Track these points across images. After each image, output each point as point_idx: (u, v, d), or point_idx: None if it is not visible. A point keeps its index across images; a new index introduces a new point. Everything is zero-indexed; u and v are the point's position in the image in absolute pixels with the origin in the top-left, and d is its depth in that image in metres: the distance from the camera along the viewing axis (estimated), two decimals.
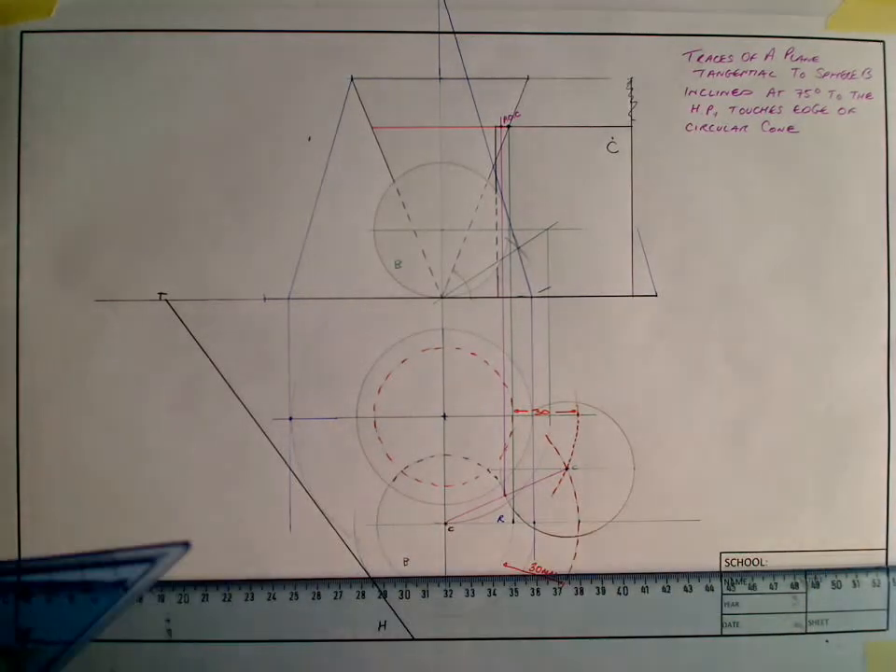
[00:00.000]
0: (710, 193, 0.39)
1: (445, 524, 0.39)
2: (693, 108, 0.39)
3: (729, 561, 0.39)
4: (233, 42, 0.39)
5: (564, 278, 0.39)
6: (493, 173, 0.39)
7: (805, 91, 0.39)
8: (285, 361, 0.39)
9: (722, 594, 0.39)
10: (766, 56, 0.39)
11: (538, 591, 0.39)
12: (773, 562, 0.39)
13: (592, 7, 0.39)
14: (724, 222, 0.39)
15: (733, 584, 0.39)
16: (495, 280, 0.39)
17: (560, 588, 0.39)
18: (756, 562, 0.39)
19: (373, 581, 0.39)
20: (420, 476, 0.39)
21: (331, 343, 0.39)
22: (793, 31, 0.39)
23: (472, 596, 0.39)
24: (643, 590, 0.39)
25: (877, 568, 0.39)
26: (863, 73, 0.39)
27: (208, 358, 0.38)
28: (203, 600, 0.38)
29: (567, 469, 0.39)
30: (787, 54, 0.39)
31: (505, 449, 0.39)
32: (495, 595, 0.39)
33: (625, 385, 0.39)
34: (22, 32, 0.38)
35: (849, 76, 0.39)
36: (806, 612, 0.39)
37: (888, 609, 0.39)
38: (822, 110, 0.40)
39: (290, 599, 0.38)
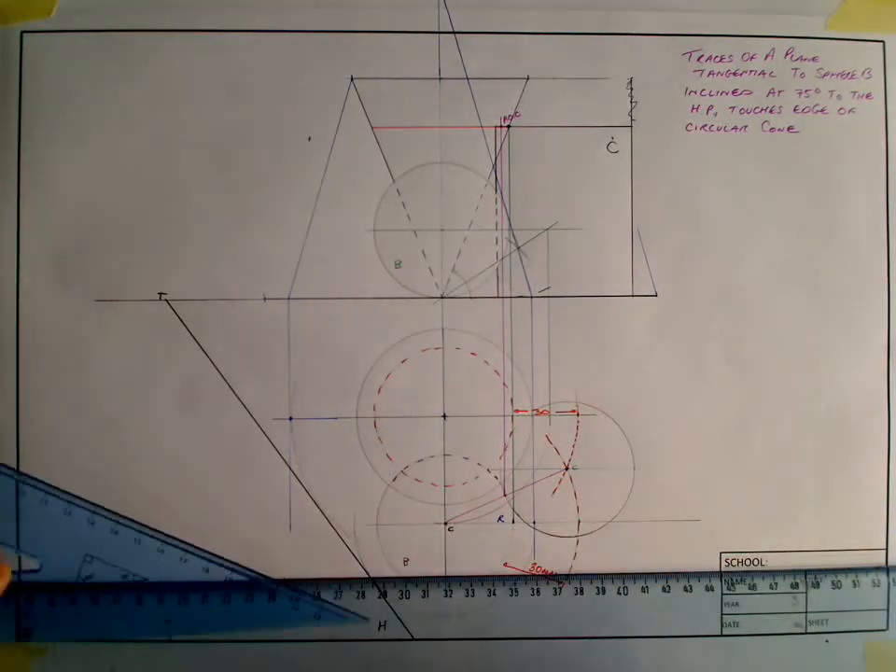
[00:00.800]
0: (710, 193, 0.39)
1: (445, 524, 0.39)
2: (693, 108, 0.39)
3: (729, 561, 0.39)
4: (233, 42, 0.39)
5: (564, 278, 0.39)
6: (493, 173, 0.39)
7: (805, 90, 0.39)
8: (285, 361, 0.39)
9: (722, 594, 0.39)
10: (766, 56, 0.39)
11: (538, 591, 0.39)
12: (773, 562, 0.39)
13: (592, 7, 0.39)
14: (724, 222, 0.39)
15: (733, 584, 0.39)
16: (495, 280, 0.39)
17: (560, 588, 0.39)
18: (756, 562, 0.39)
19: (373, 581, 0.39)
20: (420, 476, 0.39)
21: (331, 343, 0.39)
22: (793, 31, 0.39)
23: (472, 596, 0.39)
24: (643, 590, 0.39)
25: (877, 568, 0.39)
26: (863, 73, 0.39)
27: (208, 358, 0.38)
28: (203, 600, 0.38)
29: (566, 469, 0.39)
30: (787, 54, 0.39)
31: (505, 449, 0.39)
32: (495, 595, 0.39)
33: (625, 385, 0.39)
34: (22, 32, 0.38)
35: (849, 76, 0.39)
36: (806, 612, 0.39)
37: (887, 609, 0.39)
38: (822, 110, 0.40)
39: (290, 599, 0.38)
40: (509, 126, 0.39)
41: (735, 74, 0.39)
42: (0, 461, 0.38)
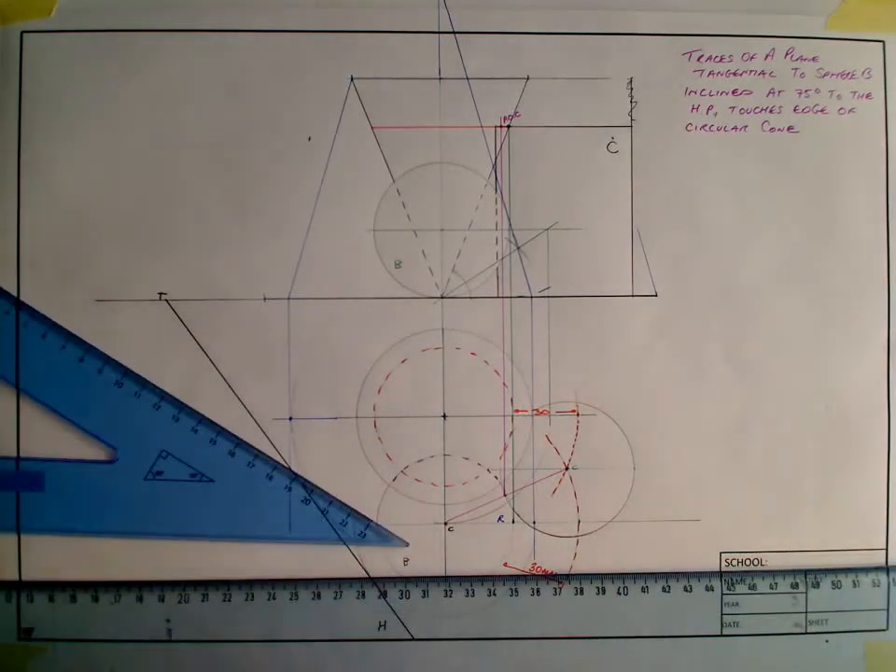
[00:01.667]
0: (710, 193, 0.39)
1: (445, 524, 0.39)
2: (693, 108, 0.39)
3: (729, 561, 0.39)
4: (233, 42, 0.39)
5: (564, 278, 0.39)
6: (493, 173, 0.39)
7: (805, 90, 0.39)
8: (285, 361, 0.39)
9: (722, 594, 0.39)
10: (766, 56, 0.39)
11: (538, 591, 0.39)
12: (773, 562, 0.39)
13: (592, 7, 0.39)
14: (724, 222, 0.39)
15: (733, 584, 0.39)
16: (495, 280, 0.39)
17: (560, 588, 0.39)
18: (756, 562, 0.39)
19: (373, 581, 0.39)
20: (420, 476, 0.39)
21: (331, 343, 0.39)
22: (793, 31, 0.39)
23: (472, 596, 0.39)
24: (643, 590, 0.39)
25: (877, 568, 0.39)
26: (863, 73, 0.39)
27: (208, 358, 0.38)
28: (203, 600, 0.38)
29: (566, 469, 0.39)
30: (787, 54, 0.39)
31: (505, 449, 0.39)
32: (495, 595, 0.39)
33: (625, 385, 0.39)
34: (22, 32, 0.38)
35: (849, 76, 0.39)
36: (806, 612, 0.39)
37: (887, 609, 0.39)
38: (822, 110, 0.40)
39: (290, 599, 0.38)
40: (509, 126, 0.39)
41: (734, 74, 0.39)
42: (0, 459, 0.38)
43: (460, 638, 0.39)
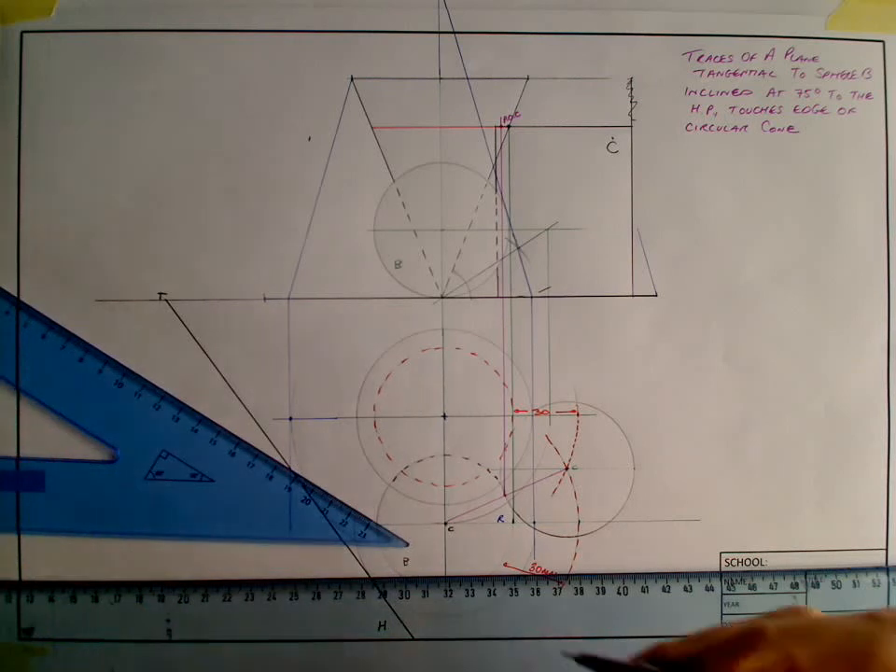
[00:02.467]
0: (710, 193, 0.39)
1: (445, 524, 0.39)
2: (693, 108, 0.39)
3: (729, 561, 0.39)
4: (233, 42, 0.39)
5: (564, 278, 0.39)
6: (493, 173, 0.39)
7: (805, 90, 0.39)
8: (285, 361, 0.39)
9: (722, 594, 0.39)
10: (766, 56, 0.39)
11: (538, 591, 0.39)
12: (773, 562, 0.39)
13: (592, 7, 0.39)
14: (724, 222, 0.39)
15: (733, 584, 0.39)
16: (495, 280, 0.39)
17: (560, 588, 0.39)
18: (756, 562, 0.39)
19: (373, 581, 0.39)
20: (420, 476, 0.39)
21: (331, 343, 0.39)
22: (793, 31, 0.39)
23: (472, 596, 0.39)
24: (643, 590, 0.39)
25: (877, 569, 0.39)
26: (863, 73, 0.39)
27: (208, 358, 0.38)
28: (203, 600, 0.38)
29: (566, 469, 0.39)
30: (787, 54, 0.39)
31: (505, 449, 0.39)
32: (495, 595, 0.39)
33: (625, 385, 0.39)
34: (22, 32, 0.38)
35: (849, 76, 0.39)
36: None
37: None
38: (822, 110, 0.40)
39: (290, 599, 0.38)
40: (509, 126, 0.39)
41: (735, 74, 0.39)
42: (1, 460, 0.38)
43: (460, 638, 0.39)
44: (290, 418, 0.39)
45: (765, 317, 0.39)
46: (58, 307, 0.38)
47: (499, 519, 0.39)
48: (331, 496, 0.39)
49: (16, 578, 0.38)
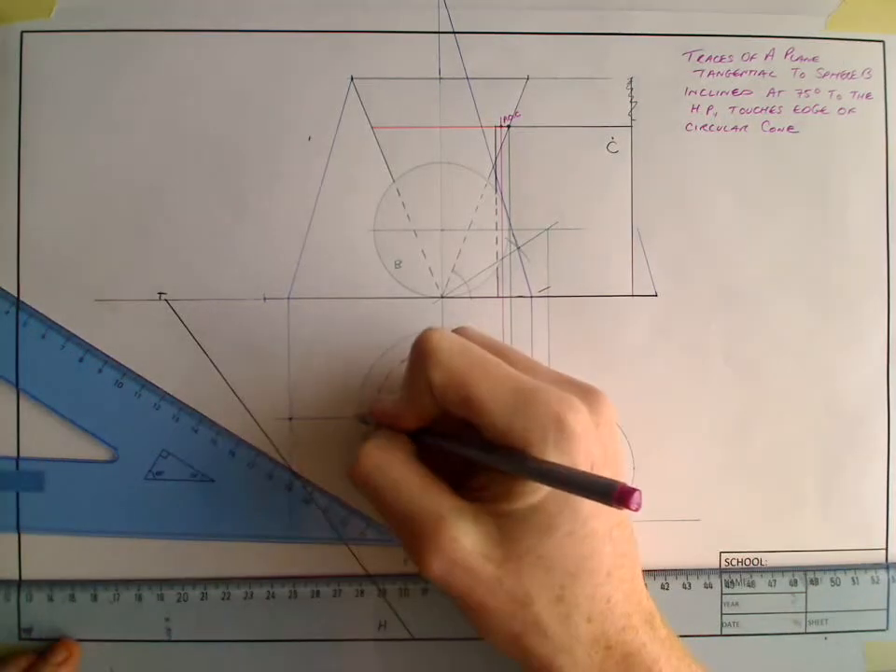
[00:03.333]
0: (710, 193, 0.39)
1: None
2: (693, 108, 0.39)
3: (729, 560, 0.39)
4: (233, 42, 0.39)
5: (564, 278, 0.39)
6: (493, 173, 0.39)
7: (805, 90, 0.39)
8: (285, 361, 0.39)
9: (722, 593, 0.39)
10: (766, 56, 0.39)
11: None
12: (773, 562, 0.39)
13: (592, 7, 0.39)
14: (724, 222, 0.39)
15: (732, 584, 0.39)
16: (495, 280, 0.39)
17: None
18: (756, 562, 0.39)
19: (373, 578, 0.39)
20: None
21: (331, 343, 0.39)
22: (793, 31, 0.39)
23: None
24: None
25: (876, 565, 0.39)
26: (863, 73, 0.39)
27: (208, 358, 0.38)
28: (202, 599, 0.38)
29: None
30: (787, 54, 0.39)
31: None
32: None
33: (625, 386, 0.39)
34: (22, 32, 0.38)
35: (849, 76, 0.39)
36: (806, 612, 0.39)
37: (887, 609, 0.39)
38: (822, 110, 0.40)
39: (289, 597, 0.38)
40: (509, 126, 0.39)
41: (735, 74, 0.39)
42: (1, 460, 0.38)
43: (460, 638, 0.39)
44: (290, 418, 0.39)
45: (765, 317, 0.40)
46: (58, 307, 0.38)
47: None
48: (332, 495, 0.39)
49: (16, 577, 0.38)
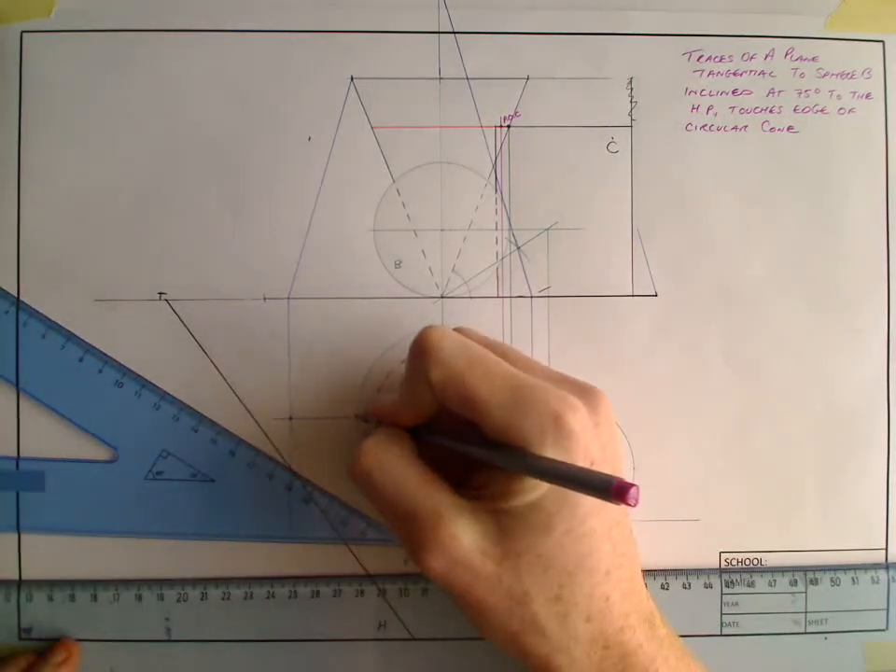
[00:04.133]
0: (710, 193, 0.39)
1: None
2: (693, 108, 0.39)
3: (728, 560, 0.39)
4: (233, 42, 0.39)
5: (564, 278, 0.39)
6: (493, 173, 0.39)
7: (805, 91, 0.39)
8: (285, 361, 0.39)
9: (722, 593, 0.39)
10: (766, 56, 0.39)
11: None
12: (773, 561, 0.39)
13: (591, 7, 0.39)
14: (724, 222, 0.39)
15: (732, 584, 0.39)
16: (495, 280, 0.39)
17: None
18: (756, 561, 0.39)
19: (372, 578, 0.39)
20: None
21: (331, 343, 0.39)
22: (793, 31, 0.39)
23: None
24: None
25: (876, 565, 0.39)
26: (863, 73, 0.39)
27: (208, 358, 0.38)
28: (202, 598, 0.38)
29: None
30: (787, 54, 0.39)
31: None
32: None
33: (625, 386, 0.39)
34: (22, 32, 0.38)
35: (849, 76, 0.39)
36: (806, 612, 0.39)
37: (887, 609, 0.39)
38: (822, 110, 0.40)
39: (289, 597, 0.38)
40: (509, 126, 0.39)
41: (735, 74, 0.39)
42: (1, 461, 0.38)
43: (460, 638, 0.39)
44: (290, 418, 0.39)
45: (766, 317, 0.40)
46: (58, 307, 0.38)
47: None
48: (332, 495, 0.39)
49: (16, 577, 0.38)
